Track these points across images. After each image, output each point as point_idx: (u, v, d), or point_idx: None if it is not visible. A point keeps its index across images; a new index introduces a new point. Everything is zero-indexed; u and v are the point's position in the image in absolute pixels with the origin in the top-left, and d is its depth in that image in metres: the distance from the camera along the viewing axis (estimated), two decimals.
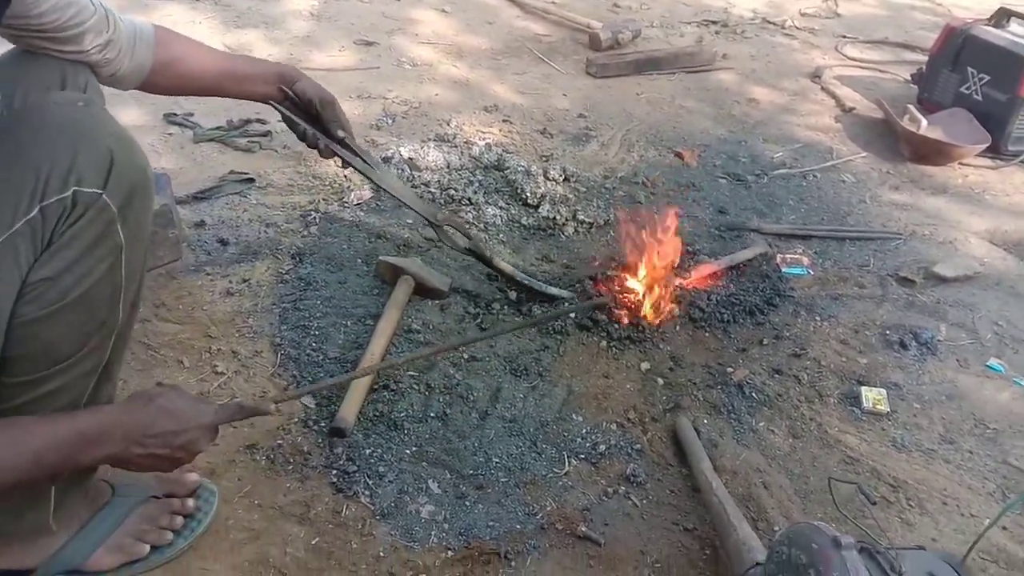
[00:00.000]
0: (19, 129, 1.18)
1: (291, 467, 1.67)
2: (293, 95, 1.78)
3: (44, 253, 1.15)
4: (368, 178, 1.96)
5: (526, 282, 2.22)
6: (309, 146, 1.84)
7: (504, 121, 3.29)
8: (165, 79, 1.59)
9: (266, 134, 2.88)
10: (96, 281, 1.19)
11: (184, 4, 4.17)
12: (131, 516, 1.46)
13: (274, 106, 1.78)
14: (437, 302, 2.19)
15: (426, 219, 2.12)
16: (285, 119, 1.82)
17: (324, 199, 2.59)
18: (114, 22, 1.45)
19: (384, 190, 2.03)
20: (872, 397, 2.03)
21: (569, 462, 1.76)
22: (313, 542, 1.53)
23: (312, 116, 1.82)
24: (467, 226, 2.35)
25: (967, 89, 3.47)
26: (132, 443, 1.21)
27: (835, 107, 3.75)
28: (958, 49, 3.50)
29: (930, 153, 3.29)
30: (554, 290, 2.23)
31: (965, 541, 1.65)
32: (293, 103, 1.80)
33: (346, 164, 1.91)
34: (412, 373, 1.93)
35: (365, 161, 1.92)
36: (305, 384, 1.87)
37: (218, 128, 2.89)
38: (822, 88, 3.93)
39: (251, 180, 2.60)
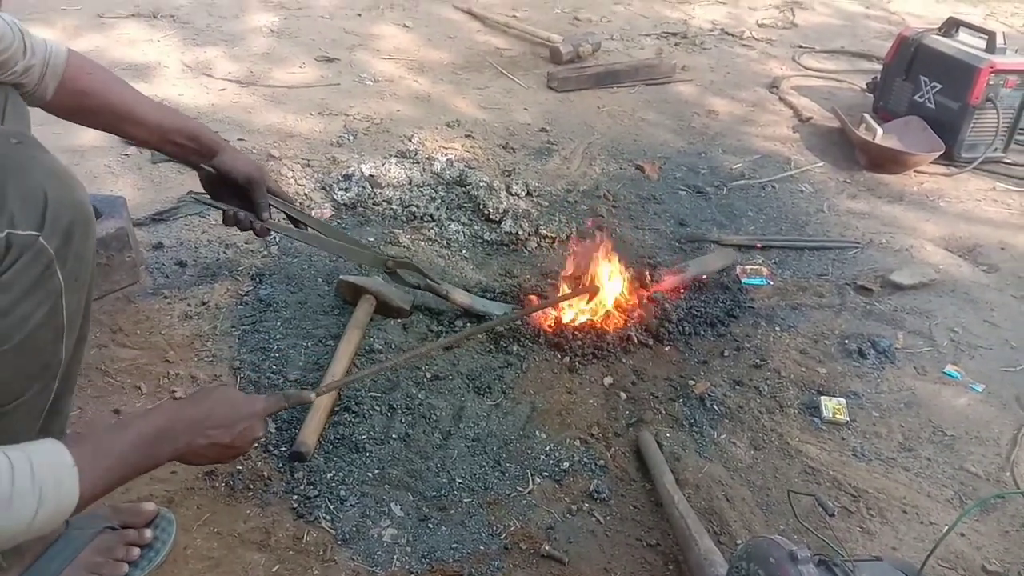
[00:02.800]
0: None
1: (251, 493, 1.65)
2: (214, 171, 1.67)
3: None
4: (311, 245, 1.97)
5: (484, 311, 2.20)
6: (241, 230, 1.75)
7: (466, 136, 3.30)
8: (64, 108, 1.54)
9: None
10: (36, 326, 1.17)
11: (143, 21, 4.13)
12: (86, 549, 1.43)
13: (195, 197, 1.69)
14: (399, 321, 2.18)
15: (377, 270, 2.13)
16: (206, 204, 1.72)
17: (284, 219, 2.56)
18: (30, 47, 1.43)
19: (334, 253, 2.06)
20: (832, 407, 2.05)
21: (533, 480, 1.76)
22: (274, 569, 1.51)
23: (239, 193, 1.71)
24: (416, 263, 2.27)
25: (920, 97, 3.54)
26: (197, 434, 1.27)
27: (792, 117, 3.81)
28: (910, 58, 3.57)
29: (886, 161, 3.34)
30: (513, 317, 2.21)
31: (925, 549, 1.67)
32: (216, 179, 1.68)
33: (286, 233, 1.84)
34: (374, 394, 1.92)
35: (307, 227, 1.86)
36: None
37: None
38: (780, 98, 3.99)
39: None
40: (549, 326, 2.17)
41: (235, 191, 1.71)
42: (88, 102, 1.54)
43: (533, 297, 2.24)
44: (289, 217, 1.82)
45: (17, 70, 1.41)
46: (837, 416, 2.02)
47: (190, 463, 1.32)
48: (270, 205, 1.76)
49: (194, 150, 1.67)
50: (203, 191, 1.74)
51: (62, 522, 1.08)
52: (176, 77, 3.52)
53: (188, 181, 2.71)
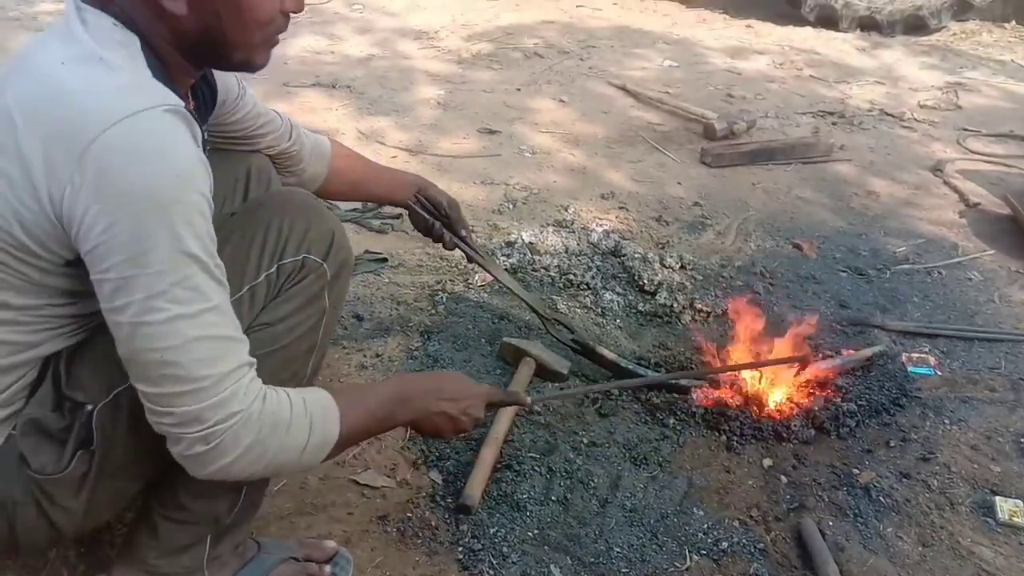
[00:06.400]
0: (267, 203, 1.48)
1: (420, 541, 1.73)
2: (424, 200, 2.05)
3: (271, 303, 1.37)
4: (485, 270, 2.22)
5: (630, 368, 2.26)
6: (435, 240, 2.10)
7: (620, 208, 3.38)
8: (335, 188, 1.91)
9: (398, 216, 3.06)
10: (301, 335, 1.39)
11: (322, 91, 4.51)
12: (272, 573, 1.55)
13: (410, 207, 2.05)
14: (557, 384, 2.25)
15: (535, 311, 2.29)
16: (415, 219, 2.07)
17: (451, 280, 2.71)
18: (297, 136, 1.75)
19: (499, 282, 2.27)
20: (1008, 508, 1.94)
21: (690, 557, 1.76)
22: None
23: (439, 216, 2.07)
24: (572, 319, 2.48)
25: None
26: (430, 403, 1.45)
27: (958, 202, 3.67)
28: None
29: None
30: (659, 376, 2.26)
31: None
32: (423, 207, 2.06)
33: (469, 259, 2.16)
34: (533, 455, 1.98)
35: (482, 256, 2.17)
36: (432, 456, 1.96)
37: (354, 210, 3.09)
38: (944, 182, 3.87)
39: (384, 260, 2.77)
40: (706, 403, 2.18)
41: (436, 218, 2.06)
42: (351, 178, 1.95)
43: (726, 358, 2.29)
44: (469, 245, 2.13)
45: (277, 149, 1.73)
46: (1014, 519, 1.92)
47: (420, 430, 1.50)
48: (463, 236, 2.11)
49: (415, 194, 2.05)
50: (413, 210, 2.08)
51: (322, 458, 1.28)
52: (352, 144, 3.77)
53: (364, 241, 2.93)
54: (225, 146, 1.64)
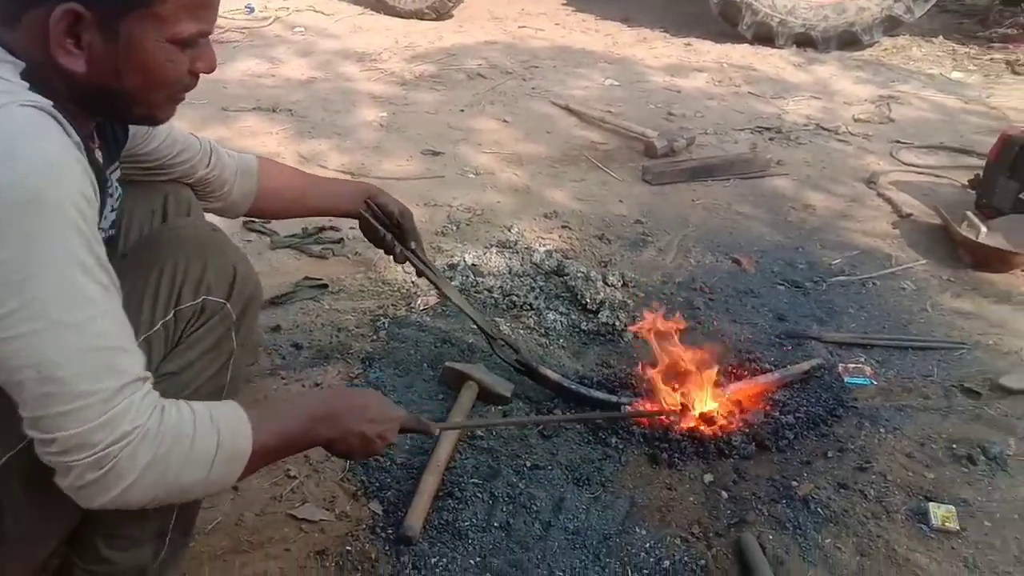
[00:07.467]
0: (157, 242, 1.38)
1: (359, 575, 1.70)
2: (376, 208, 1.97)
3: (172, 351, 1.31)
4: (435, 285, 2.16)
5: (573, 388, 2.27)
6: (386, 252, 2.02)
7: (563, 227, 3.40)
8: (270, 205, 1.81)
9: (339, 241, 3.04)
10: (208, 378, 1.34)
11: (262, 115, 4.46)
12: None
13: (361, 215, 1.97)
14: (500, 408, 2.25)
15: (482, 329, 2.27)
16: (366, 227, 1.99)
17: (392, 304, 2.70)
18: (216, 160, 1.65)
19: (448, 299, 2.23)
20: (940, 514, 1.99)
21: None
22: None
23: (391, 226, 2.00)
24: (516, 340, 2.49)
25: None
26: (354, 422, 1.35)
27: (892, 213, 3.77)
28: (1015, 157, 3.52)
29: (991, 260, 3.27)
30: (601, 395, 2.27)
31: None
32: (374, 215, 1.98)
33: (419, 272, 2.10)
34: (476, 480, 1.97)
35: (432, 271, 2.11)
36: (373, 487, 1.93)
37: (294, 235, 3.06)
38: (878, 194, 3.97)
39: (324, 286, 2.74)
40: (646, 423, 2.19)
41: (387, 228, 1.99)
42: (288, 194, 1.84)
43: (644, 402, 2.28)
44: (419, 259, 2.07)
45: (199, 175, 1.64)
46: (947, 524, 1.96)
47: (332, 449, 1.37)
48: (413, 248, 2.04)
49: (364, 200, 1.96)
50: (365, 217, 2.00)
51: (235, 477, 1.16)
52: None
53: (304, 267, 2.89)
54: (139, 177, 1.53)
